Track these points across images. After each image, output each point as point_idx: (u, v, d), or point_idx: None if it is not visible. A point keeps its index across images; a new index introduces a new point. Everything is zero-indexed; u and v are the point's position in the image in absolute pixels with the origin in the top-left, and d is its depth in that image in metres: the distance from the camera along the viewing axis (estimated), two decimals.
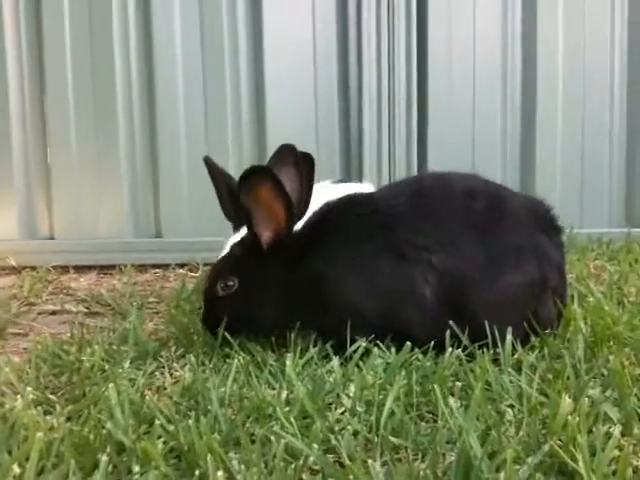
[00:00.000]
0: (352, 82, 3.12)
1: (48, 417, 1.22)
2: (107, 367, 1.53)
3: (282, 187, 1.55)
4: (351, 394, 1.30)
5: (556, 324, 1.66)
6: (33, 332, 2.08)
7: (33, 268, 2.89)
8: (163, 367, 1.58)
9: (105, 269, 3.01)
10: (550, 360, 1.45)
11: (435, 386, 1.25)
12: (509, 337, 1.48)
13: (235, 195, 1.76)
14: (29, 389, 1.27)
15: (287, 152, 1.68)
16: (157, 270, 3.02)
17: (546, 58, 3.16)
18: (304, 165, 1.64)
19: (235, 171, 2.99)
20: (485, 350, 1.48)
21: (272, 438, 1.08)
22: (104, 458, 0.94)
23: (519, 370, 1.43)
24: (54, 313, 2.32)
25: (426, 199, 1.63)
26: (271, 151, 1.85)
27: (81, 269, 3.00)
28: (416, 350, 1.49)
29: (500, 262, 1.56)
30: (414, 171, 3.04)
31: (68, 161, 3.05)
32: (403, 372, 1.37)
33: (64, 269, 2.96)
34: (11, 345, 1.93)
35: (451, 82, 3.14)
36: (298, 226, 1.66)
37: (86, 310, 2.33)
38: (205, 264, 2.91)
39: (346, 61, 3.14)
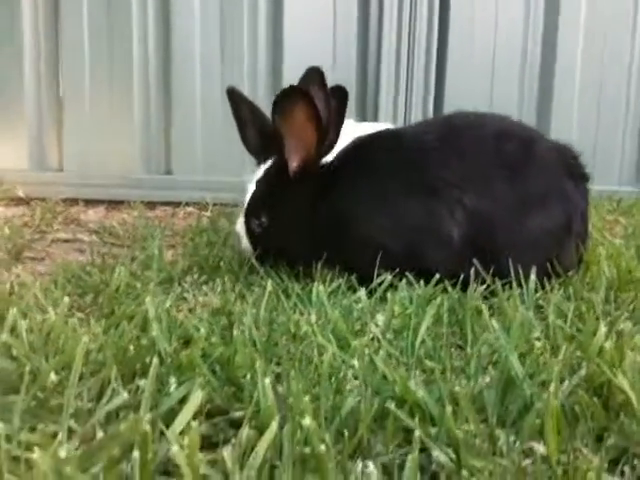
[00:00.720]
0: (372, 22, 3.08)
1: (83, 328, 1.22)
2: (133, 288, 1.54)
3: (316, 109, 1.53)
4: (379, 323, 1.32)
5: (577, 269, 1.68)
6: (49, 257, 2.08)
7: (42, 200, 2.88)
8: (188, 292, 1.59)
9: (113, 204, 3.00)
10: (575, 300, 1.46)
11: (466, 313, 1.26)
12: (533, 277, 1.50)
13: (261, 125, 1.76)
14: (66, 299, 1.26)
15: (314, 74, 1.61)
16: (166, 207, 3.02)
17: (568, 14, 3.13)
18: (336, 97, 1.62)
19: None
20: (509, 288, 1.49)
21: (313, 353, 1.09)
22: (154, 360, 0.94)
23: (542, 309, 1.46)
24: (67, 241, 2.32)
25: (457, 138, 1.62)
26: None
27: (89, 202, 2.99)
28: (439, 285, 1.50)
29: (527, 205, 1.57)
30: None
31: (80, 94, 3.02)
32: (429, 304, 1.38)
33: (73, 202, 2.95)
34: (28, 268, 1.93)
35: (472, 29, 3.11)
36: (327, 159, 1.65)
37: (98, 240, 2.33)
38: (215, 204, 2.91)
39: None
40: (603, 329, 1.09)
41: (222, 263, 1.76)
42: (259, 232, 1.69)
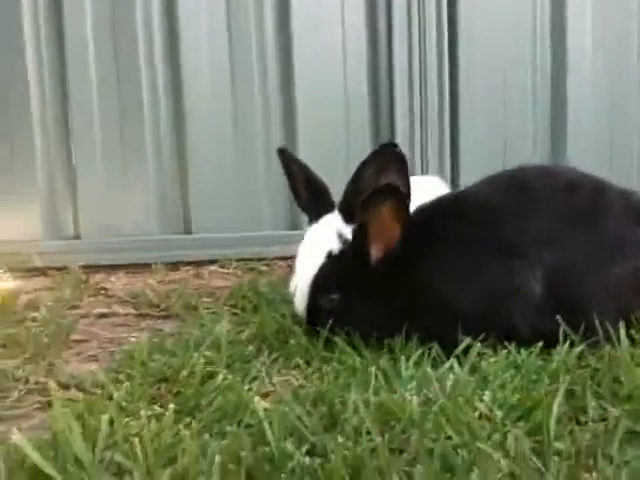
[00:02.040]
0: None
1: (185, 432, 1.15)
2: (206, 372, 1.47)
3: (407, 207, 1.52)
4: (485, 398, 1.26)
5: None
6: (95, 338, 1.99)
7: (58, 269, 2.79)
8: (261, 372, 1.52)
9: (133, 267, 2.92)
10: None
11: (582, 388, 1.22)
12: (622, 332, 1.46)
13: (311, 182, 1.78)
14: (171, 407, 1.19)
15: (392, 158, 1.60)
16: (188, 267, 2.94)
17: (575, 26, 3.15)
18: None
19: (263, 161, 3.00)
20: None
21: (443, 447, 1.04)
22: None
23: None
24: (104, 315, 2.24)
25: (528, 192, 1.60)
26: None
27: (107, 268, 2.90)
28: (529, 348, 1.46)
29: (605, 255, 1.55)
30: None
31: (92, 158, 2.95)
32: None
33: (91, 269, 2.86)
34: (77, 353, 1.85)
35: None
36: None
37: (135, 312, 2.26)
38: (239, 259, 2.86)
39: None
40: None
41: (289, 336, 1.68)
42: (330, 308, 1.63)
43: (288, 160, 1.85)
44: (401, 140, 2.99)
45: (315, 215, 1.77)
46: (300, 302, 1.69)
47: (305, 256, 1.73)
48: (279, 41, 3.01)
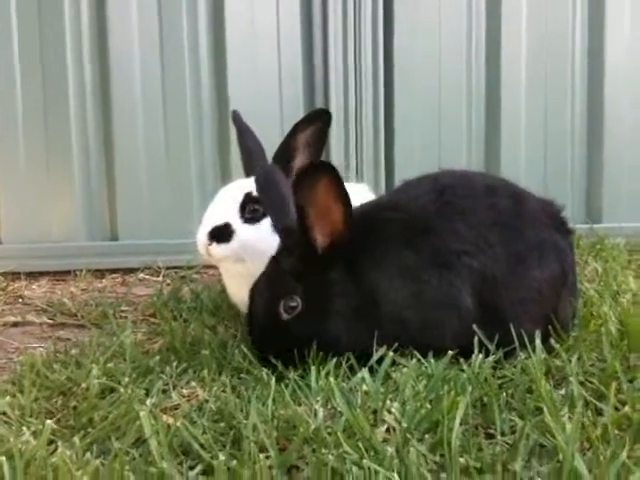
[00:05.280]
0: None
1: (67, 451, 1.06)
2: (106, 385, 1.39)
3: (342, 183, 1.42)
4: (393, 410, 1.21)
5: (572, 323, 1.66)
6: (1, 347, 1.89)
7: None
8: (167, 384, 1.44)
9: (58, 275, 2.81)
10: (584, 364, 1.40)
11: (492, 400, 1.17)
12: (538, 342, 1.43)
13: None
14: (49, 424, 1.10)
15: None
16: (115, 275, 2.84)
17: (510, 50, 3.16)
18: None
19: (196, 177, 2.92)
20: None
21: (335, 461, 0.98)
22: None
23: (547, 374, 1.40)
24: (16, 325, 2.13)
25: (452, 197, 1.56)
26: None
27: (32, 275, 2.78)
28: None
29: (524, 259, 1.54)
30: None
31: (15, 161, 2.82)
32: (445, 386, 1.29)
33: (14, 275, 2.74)
34: None
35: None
36: None
37: (50, 321, 2.16)
38: (169, 267, 2.77)
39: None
40: None
41: (201, 347, 1.61)
42: (290, 318, 1.49)
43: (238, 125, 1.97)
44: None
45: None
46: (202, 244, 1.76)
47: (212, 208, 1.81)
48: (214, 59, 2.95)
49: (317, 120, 1.83)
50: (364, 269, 1.50)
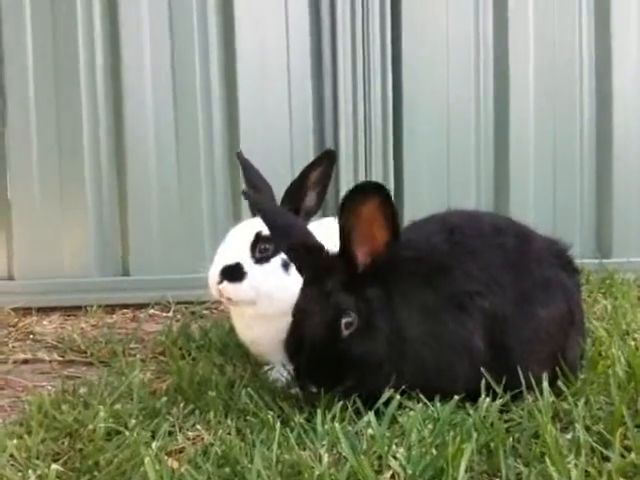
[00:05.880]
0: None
1: None
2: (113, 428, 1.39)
3: (392, 205, 1.42)
4: (398, 455, 1.21)
5: (580, 364, 1.65)
6: (9, 386, 1.90)
7: None
8: (174, 426, 1.44)
9: (69, 310, 2.83)
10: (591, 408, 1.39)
11: (498, 445, 1.17)
12: (545, 384, 1.42)
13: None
14: (54, 466, 1.11)
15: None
16: (125, 310, 2.86)
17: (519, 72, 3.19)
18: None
19: (208, 213, 2.95)
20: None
21: None
22: None
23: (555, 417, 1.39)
24: (26, 362, 2.15)
25: (461, 237, 1.57)
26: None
27: (43, 311, 2.80)
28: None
29: (531, 298, 1.54)
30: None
31: (29, 196, 2.87)
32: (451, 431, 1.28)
33: (26, 311, 2.76)
34: None
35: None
36: None
37: (60, 358, 2.18)
38: (179, 302, 2.78)
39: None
40: None
41: (208, 387, 1.61)
42: (348, 335, 1.44)
43: (243, 165, 1.97)
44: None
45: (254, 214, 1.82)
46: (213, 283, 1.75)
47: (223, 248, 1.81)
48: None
49: (325, 160, 1.86)
50: (394, 298, 1.48)
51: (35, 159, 2.86)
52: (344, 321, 1.43)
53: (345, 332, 1.43)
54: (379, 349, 1.44)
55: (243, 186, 2.87)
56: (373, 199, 1.40)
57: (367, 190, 1.41)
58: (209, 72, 2.97)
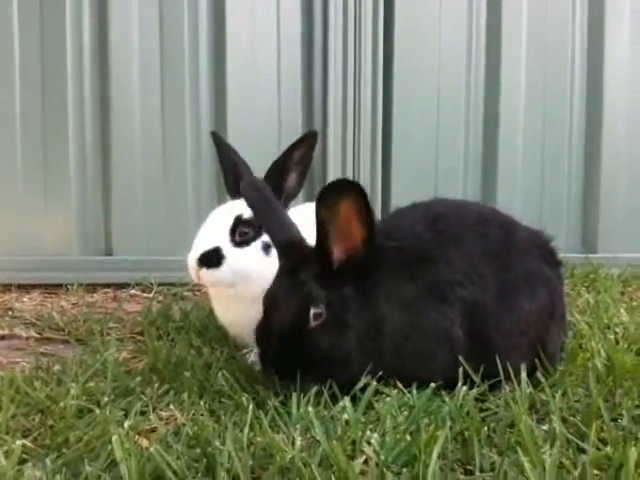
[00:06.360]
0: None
1: (37, 472, 1.05)
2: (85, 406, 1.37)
3: (367, 202, 1.39)
4: (372, 441, 1.19)
5: (559, 356, 1.64)
6: None
7: None
8: (147, 405, 1.42)
9: (50, 288, 2.80)
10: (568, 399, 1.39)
11: (473, 434, 1.16)
12: (524, 375, 1.42)
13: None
14: (19, 442, 1.09)
15: None
16: (107, 290, 2.83)
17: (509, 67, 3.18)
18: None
19: (192, 194, 2.93)
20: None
21: None
22: None
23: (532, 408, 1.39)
24: (2, 338, 2.12)
25: (445, 226, 1.56)
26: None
27: (24, 288, 2.77)
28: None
29: (513, 289, 1.53)
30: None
31: (12, 172, 2.82)
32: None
33: (5, 287, 2.73)
34: None
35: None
36: None
37: (38, 335, 2.15)
38: (161, 284, 2.75)
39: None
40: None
41: (184, 368, 1.59)
42: (316, 326, 1.43)
43: (219, 144, 1.95)
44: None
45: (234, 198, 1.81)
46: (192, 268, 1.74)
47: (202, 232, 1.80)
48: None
49: (308, 141, 1.85)
50: (372, 293, 1.47)
51: (19, 137, 2.83)
52: (313, 311, 1.42)
53: (313, 323, 1.42)
54: (347, 345, 1.42)
55: None
56: (348, 196, 1.38)
57: (342, 187, 1.39)
58: (198, 64, 2.95)
